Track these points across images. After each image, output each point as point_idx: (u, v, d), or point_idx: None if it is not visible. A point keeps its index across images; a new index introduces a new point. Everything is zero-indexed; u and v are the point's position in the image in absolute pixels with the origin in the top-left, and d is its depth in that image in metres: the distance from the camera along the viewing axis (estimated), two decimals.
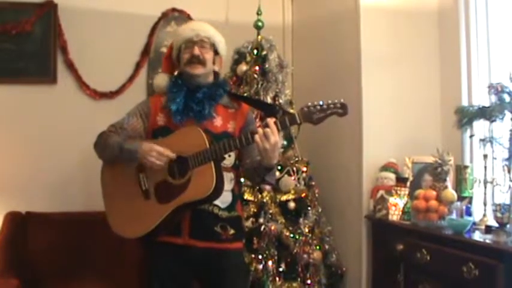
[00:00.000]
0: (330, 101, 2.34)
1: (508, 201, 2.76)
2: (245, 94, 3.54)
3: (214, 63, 2.62)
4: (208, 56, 2.57)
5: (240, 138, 2.38)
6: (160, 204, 2.43)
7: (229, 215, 2.54)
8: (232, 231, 2.54)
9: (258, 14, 3.77)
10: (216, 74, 2.65)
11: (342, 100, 2.36)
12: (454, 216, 2.92)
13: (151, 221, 2.44)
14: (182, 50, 2.58)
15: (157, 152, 2.40)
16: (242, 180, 3.06)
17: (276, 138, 2.30)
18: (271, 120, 2.33)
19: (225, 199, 2.51)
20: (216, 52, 2.61)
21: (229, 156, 2.53)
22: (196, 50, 2.53)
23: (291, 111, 3.63)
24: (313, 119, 2.33)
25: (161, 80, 2.67)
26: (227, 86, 2.69)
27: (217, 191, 2.39)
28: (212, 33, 2.60)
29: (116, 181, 2.55)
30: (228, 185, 2.52)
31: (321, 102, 2.34)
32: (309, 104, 2.34)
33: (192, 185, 2.39)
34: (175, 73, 2.70)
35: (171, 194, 2.42)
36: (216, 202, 2.48)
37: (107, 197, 2.60)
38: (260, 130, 2.31)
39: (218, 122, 2.56)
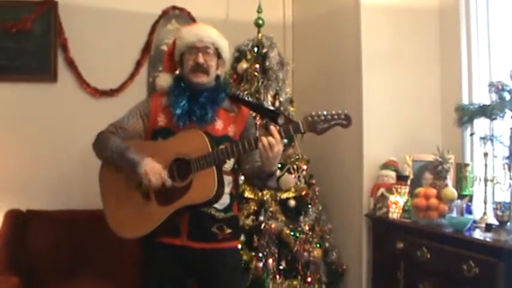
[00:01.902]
0: (333, 112, 2.35)
1: (508, 200, 2.76)
2: (245, 92, 3.54)
3: (217, 67, 2.60)
4: (213, 63, 2.55)
5: (243, 144, 2.38)
6: (160, 206, 2.43)
7: (225, 216, 2.54)
8: (229, 231, 2.54)
9: (258, 11, 3.77)
10: (217, 77, 2.63)
11: (345, 111, 2.37)
12: (454, 214, 2.92)
13: (150, 223, 2.44)
14: (185, 55, 2.55)
15: (160, 174, 2.39)
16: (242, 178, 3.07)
17: (279, 147, 2.32)
18: (274, 129, 2.33)
19: (223, 201, 2.50)
20: (219, 56, 2.59)
21: (229, 160, 2.53)
22: (201, 58, 2.50)
23: (292, 109, 3.66)
24: (317, 129, 2.34)
25: (164, 80, 2.64)
26: (228, 89, 2.68)
27: (218, 195, 2.40)
28: (216, 38, 2.56)
29: (115, 181, 2.54)
30: (227, 188, 2.52)
31: (324, 112, 2.34)
32: (313, 113, 2.34)
33: (193, 188, 2.39)
34: (177, 72, 2.69)
35: (171, 196, 2.41)
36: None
37: (105, 197, 2.59)
38: (264, 139, 2.31)
39: (219, 125, 2.55)
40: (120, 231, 2.52)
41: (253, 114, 2.93)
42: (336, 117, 2.35)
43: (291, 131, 2.35)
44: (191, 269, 2.55)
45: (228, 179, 2.53)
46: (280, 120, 2.45)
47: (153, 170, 2.38)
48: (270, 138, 2.31)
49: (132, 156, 2.42)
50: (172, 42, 2.70)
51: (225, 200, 2.53)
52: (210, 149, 2.38)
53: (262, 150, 2.32)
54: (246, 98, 3.39)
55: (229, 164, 2.55)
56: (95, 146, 2.58)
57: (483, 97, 3.15)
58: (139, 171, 2.39)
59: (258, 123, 3.38)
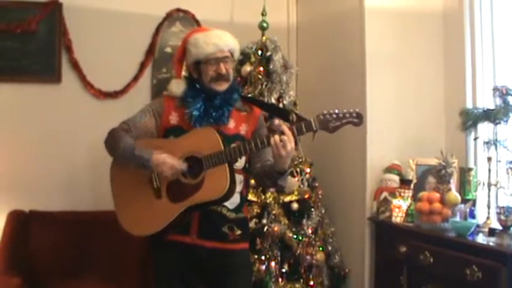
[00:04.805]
0: (345, 110, 2.37)
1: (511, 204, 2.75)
2: (249, 95, 3.54)
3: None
4: (231, 69, 2.58)
5: (255, 142, 2.39)
6: (172, 204, 2.44)
7: (237, 216, 2.55)
8: (239, 232, 2.55)
9: (262, 14, 3.77)
10: None
11: (357, 110, 2.39)
12: (457, 218, 2.92)
13: (162, 220, 2.44)
14: (204, 64, 2.52)
15: (170, 166, 2.40)
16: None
17: (292, 145, 2.33)
18: (286, 127, 2.34)
19: (233, 200, 2.51)
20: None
21: (240, 158, 2.53)
22: (223, 69, 2.51)
23: (295, 112, 3.65)
24: (329, 127, 2.36)
25: (176, 86, 2.61)
26: (240, 89, 2.69)
27: (230, 193, 2.41)
28: (232, 43, 2.56)
29: (126, 178, 2.54)
30: (238, 187, 2.52)
31: (336, 111, 2.36)
32: (325, 111, 2.36)
33: (205, 185, 2.40)
34: (183, 72, 2.69)
35: (183, 194, 2.42)
36: (225, 203, 2.49)
37: (117, 194, 2.58)
38: (276, 137, 2.32)
39: (231, 124, 2.56)
40: (131, 228, 2.52)
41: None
42: (347, 115, 2.37)
43: (303, 129, 2.35)
44: (200, 269, 2.55)
45: (239, 178, 2.53)
46: (291, 119, 2.46)
47: (164, 161, 2.39)
48: (283, 136, 2.31)
49: (141, 154, 2.42)
50: (180, 47, 2.66)
51: (236, 199, 2.53)
52: (222, 147, 2.39)
53: (274, 148, 2.32)
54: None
55: (240, 163, 2.55)
56: (107, 143, 2.57)
57: (487, 101, 3.15)
58: (151, 165, 2.40)
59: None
